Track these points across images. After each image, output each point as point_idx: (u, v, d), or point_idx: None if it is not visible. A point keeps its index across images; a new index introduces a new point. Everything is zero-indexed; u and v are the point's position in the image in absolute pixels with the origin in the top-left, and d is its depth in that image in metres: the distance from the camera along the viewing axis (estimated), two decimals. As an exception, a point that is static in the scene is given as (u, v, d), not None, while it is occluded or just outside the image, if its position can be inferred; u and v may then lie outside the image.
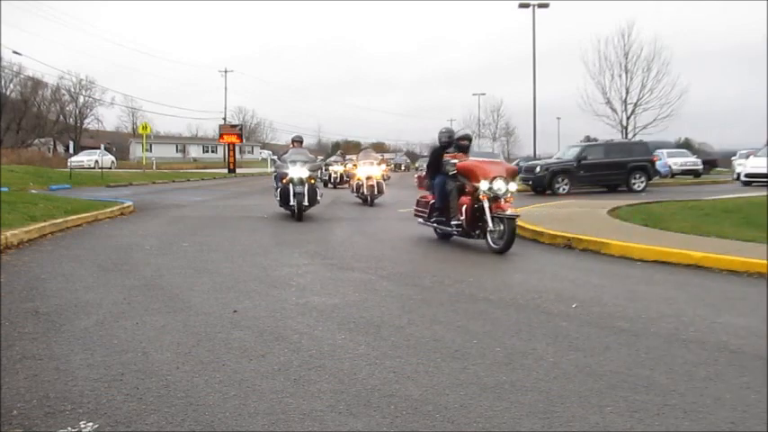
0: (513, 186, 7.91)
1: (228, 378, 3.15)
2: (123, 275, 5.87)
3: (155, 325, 4.14)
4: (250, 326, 4.15)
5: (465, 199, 7.96)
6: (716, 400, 2.93)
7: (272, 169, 24.97)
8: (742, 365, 3.45)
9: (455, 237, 8.58)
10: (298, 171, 11.30)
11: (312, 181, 11.50)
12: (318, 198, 11.63)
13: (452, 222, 8.17)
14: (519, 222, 10.58)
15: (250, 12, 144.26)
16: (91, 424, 2.59)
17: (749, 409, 2.84)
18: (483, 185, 7.69)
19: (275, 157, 13.88)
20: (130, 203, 13.09)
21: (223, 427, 2.59)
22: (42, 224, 8.72)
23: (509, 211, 7.55)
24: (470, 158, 8.34)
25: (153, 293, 5.11)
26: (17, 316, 4.31)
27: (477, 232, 7.91)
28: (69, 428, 2.56)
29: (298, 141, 12.90)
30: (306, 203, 11.22)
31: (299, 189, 11.19)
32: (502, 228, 7.51)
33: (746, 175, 20.75)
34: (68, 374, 3.18)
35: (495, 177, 7.71)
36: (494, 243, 7.59)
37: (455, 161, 8.29)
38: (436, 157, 8.89)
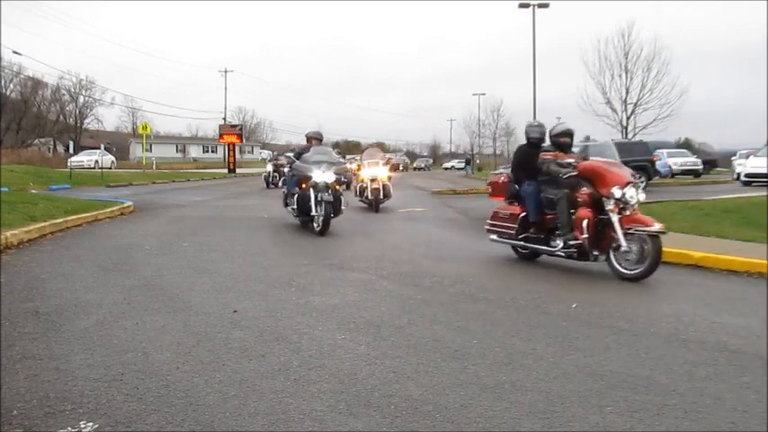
0: (643, 195, 6.29)
1: (228, 378, 3.15)
2: (123, 275, 5.87)
3: (155, 325, 4.14)
4: (250, 326, 4.15)
5: (586, 211, 6.25)
6: (716, 400, 2.93)
7: (268, 170, 24.33)
8: (742, 365, 3.45)
9: (545, 256, 7.07)
10: (323, 175, 9.30)
11: (337, 187, 9.55)
12: (343, 207, 9.62)
13: (568, 242, 6.40)
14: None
15: (250, 12, 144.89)
16: (91, 424, 2.59)
17: (749, 409, 2.84)
18: (615, 193, 6.05)
19: (289, 154, 11.34)
20: (130, 203, 13.09)
21: (223, 427, 2.59)
22: (42, 224, 8.71)
23: (656, 226, 5.85)
24: (592, 159, 6.78)
25: (153, 293, 5.11)
26: (17, 316, 4.31)
27: (595, 253, 6.29)
28: (69, 428, 2.56)
29: (317, 139, 10.78)
30: (331, 214, 9.22)
31: (325, 196, 9.07)
32: (640, 248, 5.87)
33: (746, 175, 20.74)
34: (68, 374, 3.18)
35: (627, 183, 6.11)
36: (625, 267, 5.95)
37: (570, 161, 6.56)
38: (527, 158, 7.17)
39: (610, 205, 6.10)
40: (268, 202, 16.44)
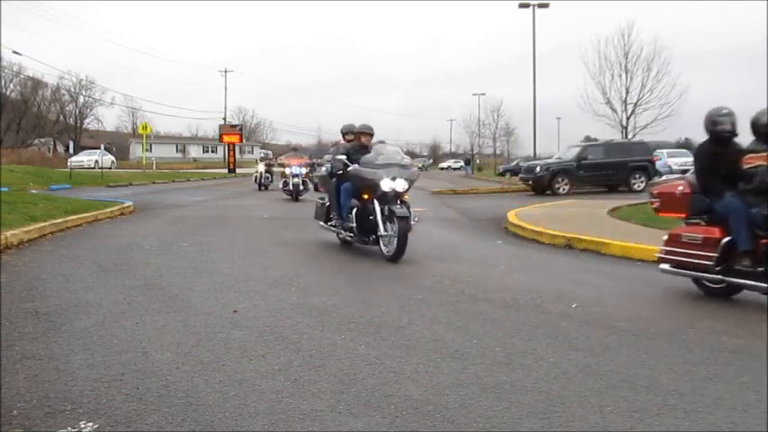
0: None
1: (228, 378, 3.15)
2: (123, 275, 5.87)
3: (155, 325, 4.14)
4: (250, 326, 4.15)
5: None
6: (716, 400, 2.93)
7: (259, 170, 22.56)
8: (742, 365, 3.45)
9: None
10: (393, 182, 7.14)
11: (406, 198, 7.43)
12: (413, 221, 7.19)
13: None
14: (519, 222, 10.58)
15: (250, 12, 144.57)
16: (91, 424, 2.59)
17: (749, 409, 2.84)
18: None
19: (341, 157, 7.92)
20: (130, 203, 13.09)
21: (223, 427, 2.59)
22: (42, 224, 8.71)
23: None
24: None
25: (153, 293, 5.11)
26: (17, 316, 4.31)
27: None
28: (69, 428, 2.56)
29: (368, 134, 8.16)
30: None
31: (397, 210, 6.94)
32: None
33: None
34: (68, 374, 3.18)
35: None
36: None
37: None
38: (718, 160, 5.15)
39: None
40: (267, 202, 16.46)
